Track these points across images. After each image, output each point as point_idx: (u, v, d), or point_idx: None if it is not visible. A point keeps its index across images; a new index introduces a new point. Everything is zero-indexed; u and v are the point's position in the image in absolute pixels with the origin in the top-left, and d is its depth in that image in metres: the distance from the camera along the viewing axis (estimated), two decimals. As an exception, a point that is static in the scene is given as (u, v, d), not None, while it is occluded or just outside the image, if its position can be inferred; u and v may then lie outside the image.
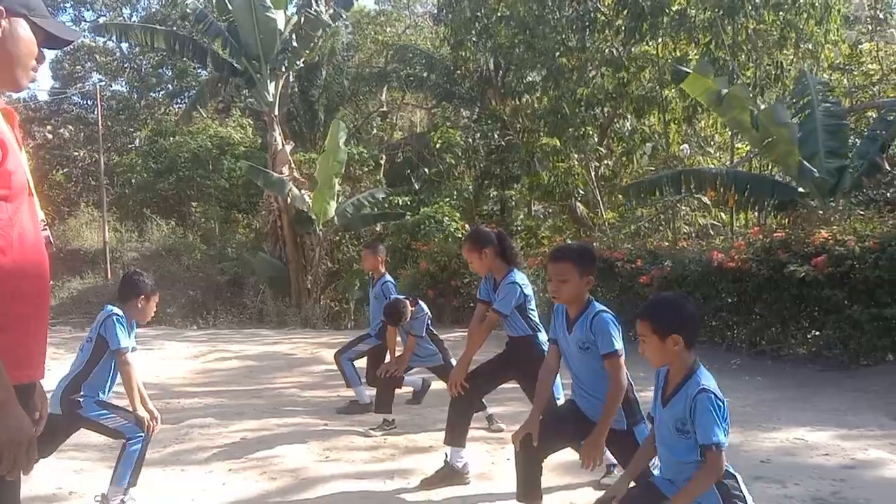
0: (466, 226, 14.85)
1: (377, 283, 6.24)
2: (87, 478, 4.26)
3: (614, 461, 4.08)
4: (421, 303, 5.63)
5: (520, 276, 4.33)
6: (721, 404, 2.53)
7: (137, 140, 28.01)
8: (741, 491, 2.56)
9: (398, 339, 5.66)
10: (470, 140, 16.60)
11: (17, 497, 1.81)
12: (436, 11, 20.35)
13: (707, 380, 2.59)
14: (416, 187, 17.62)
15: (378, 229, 17.10)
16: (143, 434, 3.71)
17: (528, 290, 4.33)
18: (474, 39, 16.69)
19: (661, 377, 2.74)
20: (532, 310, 4.34)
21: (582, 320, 3.25)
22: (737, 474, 2.61)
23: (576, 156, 14.81)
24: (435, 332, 5.73)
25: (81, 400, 3.66)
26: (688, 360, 2.63)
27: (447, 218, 14.34)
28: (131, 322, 3.84)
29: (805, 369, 7.19)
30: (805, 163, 8.82)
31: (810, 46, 12.10)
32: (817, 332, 7.53)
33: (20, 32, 1.82)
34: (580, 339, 3.25)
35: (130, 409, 3.73)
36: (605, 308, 3.29)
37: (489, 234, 4.48)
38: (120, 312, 3.77)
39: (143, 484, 4.07)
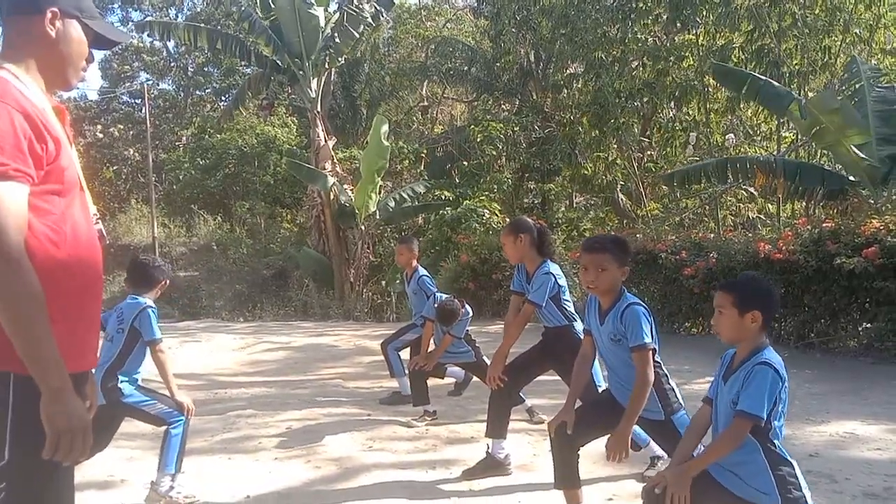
0: (507, 219, 14.83)
1: (412, 278, 6.27)
2: (138, 466, 4.39)
3: (659, 453, 4.05)
4: (467, 306, 5.65)
5: (554, 267, 4.32)
6: (779, 383, 2.50)
7: (184, 138, 28.56)
8: (797, 479, 2.52)
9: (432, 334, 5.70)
10: (510, 133, 16.53)
11: (72, 483, 1.87)
12: (476, 4, 20.32)
13: (772, 357, 2.55)
14: (457, 181, 17.63)
15: (419, 222, 17.17)
16: (182, 418, 3.80)
17: (562, 281, 4.31)
18: (514, 32, 16.62)
19: (725, 360, 2.71)
20: (567, 300, 4.33)
21: (614, 312, 3.22)
22: (793, 461, 2.56)
23: (616, 147, 14.65)
24: (471, 334, 5.75)
25: (122, 386, 3.77)
26: (758, 340, 2.60)
27: (487, 211, 14.32)
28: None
29: (856, 362, 7.03)
30: (856, 150, 8.59)
31: (859, 31, 11.75)
32: (868, 325, 7.34)
33: (72, 33, 1.88)
34: (612, 331, 3.23)
35: (169, 395, 3.83)
36: (637, 300, 3.25)
37: (529, 223, 4.47)
38: (153, 304, 3.87)
39: (191, 471, 4.18)
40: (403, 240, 6.76)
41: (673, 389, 3.30)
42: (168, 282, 4.03)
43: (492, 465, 4.22)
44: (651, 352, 3.13)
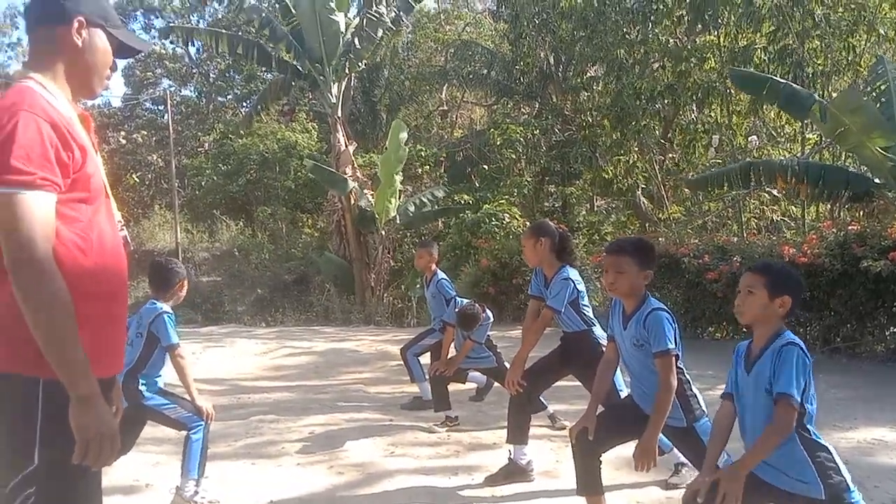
0: (527, 223, 14.79)
1: (431, 281, 6.26)
2: (164, 471, 4.42)
3: (683, 460, 4.01)
4: (487, 311, 5.64)
5: (572, 272, 4.30)
6: (807, 362, 2.47)
7: (206, 144, 28.83)
8: (836, 463, 2.49)
9: (454, 339, 5.70)
10: (530, 136, 16.50)
11: (100, 487, 1.89)
12: (495, 7, 20.31)
13: (795, 338, 2.55)
14: (477, 185, 17.63)
15: (439, 227, 17.17)
16: (202, 423, 3.83)
17: (581, 286, 4.30)
18: (534, 34, 16.59)
19: (740, 352, 2.69)
20: (586, 305, 4.31)
21: (637, 317, 3.20)
22: (829, 445, 2.52)
23: (637, 150, 14.57)
24: (491, 339, 5.73)
25: (143, 389, 3.81)
26: (780, 325, 2.60)
27: (508, 215, 14.30)
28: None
29: (883, 367, 6.92)
30: (881, 151, 8.46)
31: (882, 31, 11.59)
32: (895, 329, 7.24)
33: (98, 43, 1.91)
34: (634, 336, 3.21)
35: (189, 399, 3.86)
36: (661, 306, 3.23)
37: (551, 227, 4.46)
38: (170, 310, 3.90)
39: (214, 476, 4.21)
40: (423, 244, 6.76)
41: (696, 396, 3.27)
42: (185, 283, 4.04)
43: (514, 472, 4.21)
44: (674, 358, 3.11)
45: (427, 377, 5.96)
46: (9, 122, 1.68)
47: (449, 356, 5.69)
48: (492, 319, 5.68)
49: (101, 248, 1.84)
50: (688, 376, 3.27)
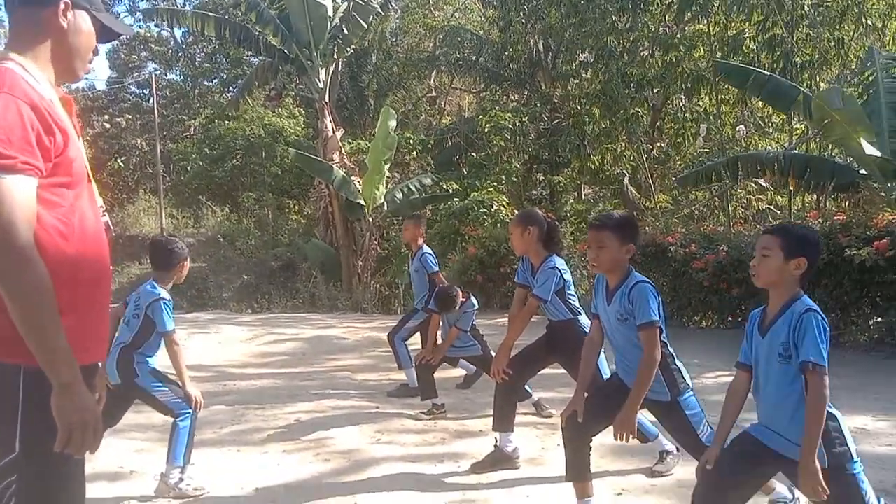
0: (515, 210, 14.77)
1: (416, 255, 6.27)
2: (148, 458, 4.40)
3: (668, 447, 4.03)
4: (473, 298, 5.63)
5: (559, 262, 4.29)
6: (827, 328, 2.46)
7: (192, 128, 28.60)
8: (842, 433, 2.48)
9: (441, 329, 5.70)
10: (518, 123, 16.46)
11: (83, 475, 1.87)
12: (484, -6, 20.19)
13: (812, 303, 2.52)
14: (465, 172, 17.59)
15: (427, 214, 17.13)
16: (190, 411, 3.82)
17: (567, 275, 4.29)
18: (523, 21, 16.51)
19: (754, 318, 2.68)
20: (572, 294, 4.31)
21: (621, 291, 3.21)
22: (838, 414, 2.49)
23: (626, 138, 14.57)
24: (477, 327, 5.73)
25: (137, 368, 3.80)
26: (796, 288, 2.57)
27: (496, 203, 14.28)
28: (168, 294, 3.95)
29: (867, 357, 6.98)
30: (866, 143, 8.50)
31: (870, 22, 11.62)
32: (879, 319, 7.30)
33: (82, 25, 1.89)
34: (619, 311, 3.22)
35: (180, 385, 3.85)
36: (645, 279, 3.25)
37: (539, 216, 4.44)
38: (167, 297, 3.87)
39: (200, 463, 4.19)
40: (411, 216, 6.76)
41: (680, 370, 3.27)
42: (186, 263, 3.99)
43: (500, 459, 4.22)
44: (658, 330, 3.13)
45: (414, 364, 5.95)
46: None
47: (436, 345, 5.68)
48: (477, 307, 5.67)
49: (83, 233, 1.81)
50: (672, 350, 3.28)
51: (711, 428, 2.95)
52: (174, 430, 3.81)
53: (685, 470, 3.90)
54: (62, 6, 1.83)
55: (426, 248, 6.27)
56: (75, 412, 1.67)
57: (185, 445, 3.81)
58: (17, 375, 1.70)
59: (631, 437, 3.10)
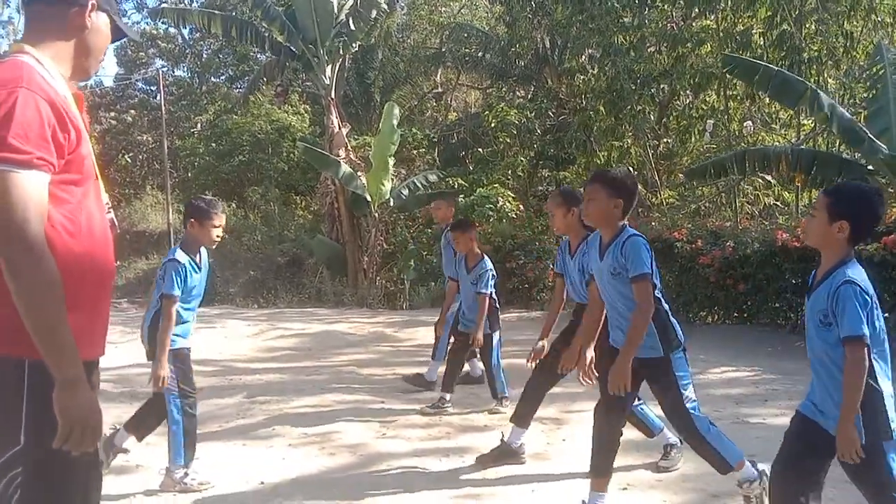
0: (521, 206, 14.75)
1: (445, 232, 6.31)
2: (155, 451, 4.39)
3: (672, 440, 4.02)
4: (486, 258, 5.59)
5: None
6: (868, 299, 2.40)
7: (199, 124, 28.64)
8: (885, 410, 2.42)
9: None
10: (524, 119, 16.42)
11: (95, 469, 1.88)
12: (491, -10, 20.15)
13: (856, 272, 2.45)
14: (471, 168, 17.56)
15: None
16: (175, 392, 3.76)
17: None
18: (529, 17, 16.46)
19: (809, 281, 2.64)
20: None
21: (615, 245, 3.23)
22: (885, 390, 2.42)
23: (632, 135, 14.51)
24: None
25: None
26: (844, 251, 2.49)
27: (501, 199, 14.26)
28: (197, 252, 3.87)
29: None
30: (874, 139, 8.45)
31: (880, 18, 11.54)
32: (886, 315, 7.25)
33: (102, 27, 1.93)
34: (611, 265, 3.23)
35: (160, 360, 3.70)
36: (638, 233, 3.27)
37: (580, 197, 4.34)
38: (181, 260, 3.78)
39: (205, 457, 4.21)
40: (442, 194, 6.79)
41: (674, 326, 3.28)
42: (200, 223, 3.80)
43: (506, 453, 4.22)
44: (651, 283, 3.15)
45: (445, 358, 5.91)
46: (8, 97, 1.65)
47: (448, 311, 5.76)
48: (491, 268, 5.52)
49: (89, 230, 1.82)
50: (667, 306, 3.28)
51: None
52: (168, 432, 3.79)
53: (690, 465, 3.90)
54: (90, 6, 1.86)
55: None
56: (76, 409, 1.67)
57: (182, 444, 3.79)
58: (21, 368, 1.71)
59: (625, 388, 3.11)
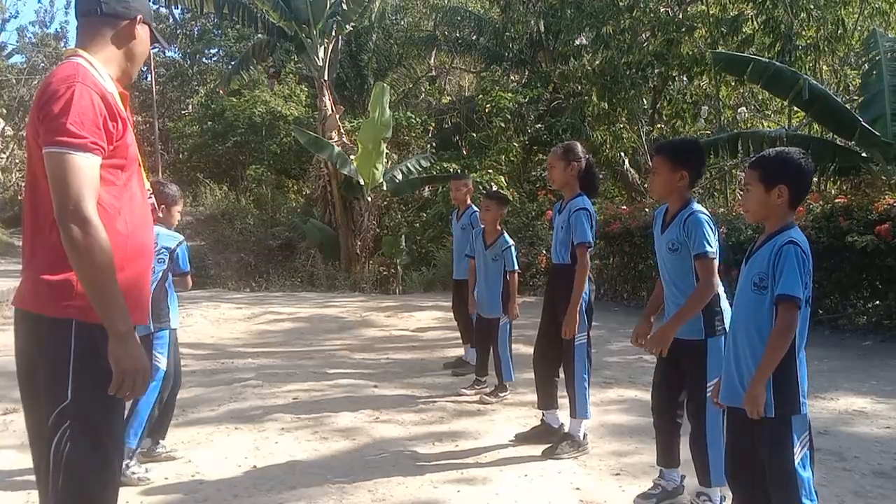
0: (514, 192, 14.72)
1: (464, 213, 6.35)
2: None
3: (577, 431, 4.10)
4: (506, 233, 5.53)
5: (588, 202, 4.13)
6: (806, 260, 2.38)
7: (190, 106, 28.40)
8: (798, 384, 2.46)
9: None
10: (518, 104, 16.35)
11: (123, 417, 2.20)
12: (485, -28, 19.99)
13: (799, 236, 2.43)
14: (464, 153, 17.50)
15: (426, 194, 17.07)
16: (154, 385, 3.70)
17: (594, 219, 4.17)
18: (523, 1, 16.35)
19: (750, 248, 2.61)
20: None
21: (678, 219, 3.18)
22: (802, 365, 2.47)
23: (625, 120, 14.49)
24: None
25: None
26: (786, 218, 2.48)
27: (494, 184, 14.23)
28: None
29: (865, 340, 7.00)
30: (867, 126, 8.45)
31: (877, 4, 11.51)
32: (878, 302, 7.30)
33: (145, 38, 2.24)
34: (671, 240, 3.17)
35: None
36: (703, 210, 3.20)
37: (582, 153, 4.25)
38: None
39: (198, 441, 4.20)
40: (458, 175, 6.79)
41: (721, 313, 3.14)
42: (168, 207, 3.85)
43: (545, 433, 4.26)
44: (714, 263, 3.06)
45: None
46: (67, 90, 1.93)
47: (474, 290, 5.66)
48: (511, 242, 5.47)
49: (131, 209, 2.09)
50: (722, 292, 3.17)
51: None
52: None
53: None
54: (139, 19, 2.18)
55: (475, 207, 6.28)
56: (129, 359, 1.92)
57: (137, 426, 3.62)
58: (69, 329, 1.95)
59: (663, 353, 3.10)
